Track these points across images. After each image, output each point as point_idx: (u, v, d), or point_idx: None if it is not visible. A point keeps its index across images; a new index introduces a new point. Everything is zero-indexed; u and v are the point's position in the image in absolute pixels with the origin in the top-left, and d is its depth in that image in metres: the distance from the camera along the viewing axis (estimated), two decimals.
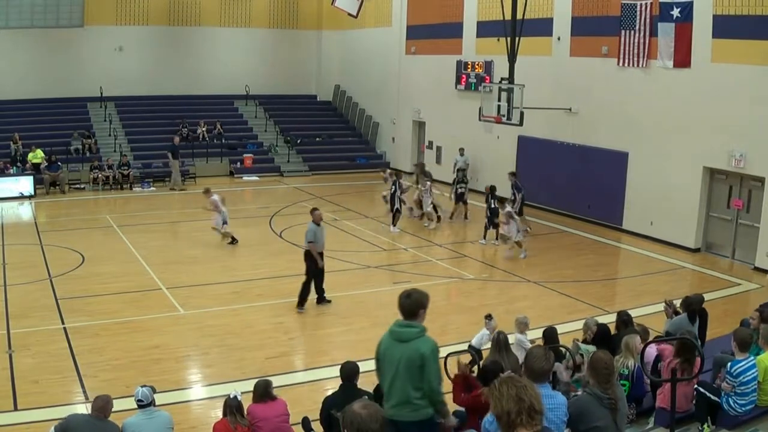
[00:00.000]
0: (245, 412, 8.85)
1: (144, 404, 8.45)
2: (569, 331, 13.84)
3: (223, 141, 35.63)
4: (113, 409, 8.50)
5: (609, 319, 13.32)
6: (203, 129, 35.66)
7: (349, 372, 9.05)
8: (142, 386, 8.59)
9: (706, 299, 16.93)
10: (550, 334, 11.14)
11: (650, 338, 10.78)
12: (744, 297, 18.40)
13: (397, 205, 24.17)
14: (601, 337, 10.06)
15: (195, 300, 16.78)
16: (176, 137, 32.42)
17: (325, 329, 15.52)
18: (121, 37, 36.32)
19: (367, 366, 13.29)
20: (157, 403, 9.23)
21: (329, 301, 16.88)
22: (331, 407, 8.51)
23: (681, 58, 22.10)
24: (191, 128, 35.50)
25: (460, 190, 26.34)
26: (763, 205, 20.46)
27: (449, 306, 17.56)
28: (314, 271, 16.65)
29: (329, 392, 9.69)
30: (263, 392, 9.08)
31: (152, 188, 31.07)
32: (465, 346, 12.06)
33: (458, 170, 28.47)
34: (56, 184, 29.57)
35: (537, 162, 27.90)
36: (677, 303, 12.58)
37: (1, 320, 15.04)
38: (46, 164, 29.89)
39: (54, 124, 33.16)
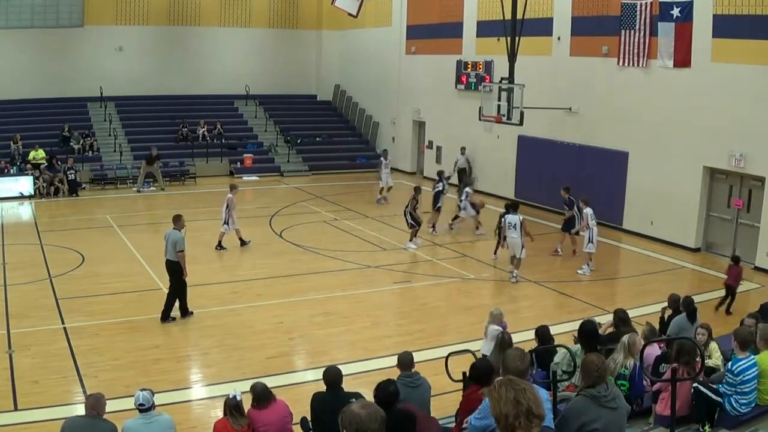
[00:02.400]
0: (246, 415, 8.73)
1: (145, 408, 8.39)
2: (569, 330, 13.83)
3: (223, 141, 35.64)
4: (114, 410, 8.49)
5: (608, 319, 13.32)
6: (203, 129, 35.67)
7: (333, 377, 8.67)
8: (141, 389, 8.53)
9: (706, 299, 17.12)
10: (543, 333, 11.06)
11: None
12: (744, 297, 18.35)
13: (439, 204, 23.77)
14: (586, 335, 9.94)
15: (195, 300, 16.71)
16: (154, 149, 31.40)
17: (325, 329, 15.50)
18: (121, 37, 36.32)
19: (369, 366, 13.41)
20: (157, 403, 9.23)
21: (192, 313, 15.96)
22: (319, 404, 8.50)
23: (681, 57, 22.10)
24: (191, 128, 35.54)
25: (436, 189, 24.33)
26: (764, 205, 20.46)
27: (449, 306, 17.54)
28: (182, 282, 15.75)
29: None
30: (262, 396, 8.82)
31: (152, 188, 31.06)
32: (464, 346, 12.04)
33: (458, 170, 28.34)
34: (57, 184, 29.47)
35: (537, 162, 27.91)
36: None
37: (2, 320, 15.03)
38: (46, 164, 29.90)
39: (54, 124, 33.08)
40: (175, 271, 15.59)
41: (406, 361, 9.14)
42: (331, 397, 8.40)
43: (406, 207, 22.59)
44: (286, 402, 9.02)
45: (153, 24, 37.23)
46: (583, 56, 25.68)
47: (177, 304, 15.71)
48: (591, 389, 6.42)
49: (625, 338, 9.70)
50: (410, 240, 22.61)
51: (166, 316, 15.50)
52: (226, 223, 21.47)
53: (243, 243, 21.81)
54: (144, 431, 8.27)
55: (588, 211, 20.38)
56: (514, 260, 19.23)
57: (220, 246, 21.50)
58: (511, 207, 19.51)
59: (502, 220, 19.78)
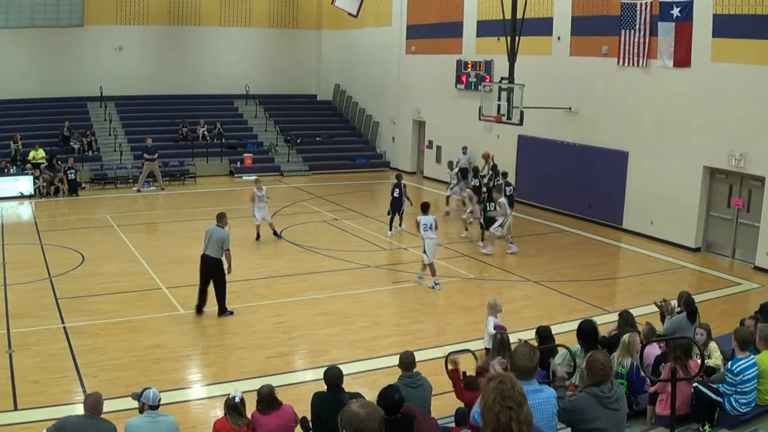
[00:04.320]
0: (249, 416, 8.69)
1: (153, 407, 8.36)
2: (569, 330, 13.82)
3: (223, 141, 35.64)
4: (114, 409, 8.46)
5: (608, 319, 13.35)
6: (203, 129, 35.68)
7: (334, 377, 8.66)
8: (148, 388, 8.45)
9: (706, 299, 17.12)
10: (544, 333, 10.93)
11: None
12: (744, 296, 18.41)
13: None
14: (585, 335, 9.89)
15: (194, 300, 16.73)
16: (149, 138, 31.60)
17: (324, 329, 15.49)
18: (121, 36, 36.32)
19: (369, 365, 13.41)
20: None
21: (232, 312, 16.14)
22: (320, 404, 8.53)
23: (681, 57, 22.10)
24: (191, 128, 35.57)
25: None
26: (763, 205, 20.45)
27: (449, 305, 17.53)
28: (222, 280, 15.94)
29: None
30: (270, 401, 8.64)
31: (152, 188, 31.03)
32: (464, 346, 12.04)
33: (460, 169, 28.34)
34: (56, 183, 29.47)
35: (537, 161, 27.91)
36: (673, 302, 12.52)
37: (1, 320, 15.03)
38: (47, 164, 29.90)
39: (54, 124, 33.08)
40: (216, 267, 15.69)
41: (407, 362, 9.13)
42: (332, 397, 8.39)
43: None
44: (292, 407, 8.87)
45: (153, 24, 37.22)
46: (583, 56, 25.68)
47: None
48: (595, 388, 6.41)
49: (625, 337, 9.72)
50: (390, 229, 23.56)
51: (223, 310, 15.90)
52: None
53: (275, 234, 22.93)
54: (149, 430, 8.26)
55: (502, 200, 21.65)
56: (425, 266, 18.43)
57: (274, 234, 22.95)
58: (423, 207, 19.01)
59: (417, 221, 18.72)
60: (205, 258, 15.81)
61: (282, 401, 8.81)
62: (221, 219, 15.99)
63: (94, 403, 8.21)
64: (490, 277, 19.71)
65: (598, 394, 6.38)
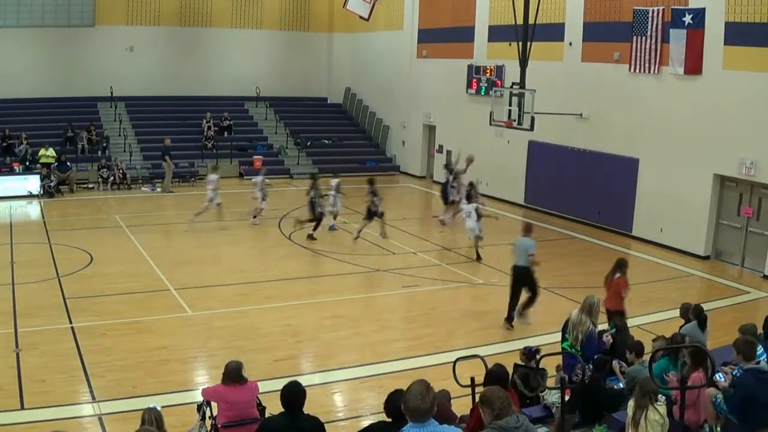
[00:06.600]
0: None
1: None
2: None
3: (233, 134, 35.90)
4: (121, 410, 8.40)
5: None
6: (229, 122, 36.55)
7: (295, 397, 7.43)
8: None
9: (715, 307, 17.04)
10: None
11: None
12: (753, 305, 18.31)
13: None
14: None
15: (203, 301, 16.75)
16: (167, 139, 31.87)
17: (332, 332, 15.45)
18: (132, 37, 36.35)
19: (377, 369, 13.37)
20: (164, 404, 9.22)
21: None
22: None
23: (692, 64, 22.01)
24: (215, 121, 36.05)
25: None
26: None
27: (458, 311, 17.47)
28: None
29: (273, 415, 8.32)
30: (236, 376, 9.14)
31: (159, 189, 31.04)
32: (473, 351, 11.99)
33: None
34: (65, 183, 29.59)
35: (547, 167, 27.85)
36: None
37: (9, 319, 15.06)
38: (57, 164, 29.96)
39: (64, 124, 33.13)
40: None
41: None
42: (287, 423, 7.40)
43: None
44: (257, 385, 9.46)
45: (164, 24, 37.25)
46: (594, 62, 25.61)
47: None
48: (500, 421, 6.21)
49: (592, 299, 10.30)
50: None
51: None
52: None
53: None
54: None
55: None
56: None
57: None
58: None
59: None
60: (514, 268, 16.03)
61: (247, 379, 9.25)
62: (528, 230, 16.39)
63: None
64: (499, 282, 19.63)
65: (505, 426, 6.17)
